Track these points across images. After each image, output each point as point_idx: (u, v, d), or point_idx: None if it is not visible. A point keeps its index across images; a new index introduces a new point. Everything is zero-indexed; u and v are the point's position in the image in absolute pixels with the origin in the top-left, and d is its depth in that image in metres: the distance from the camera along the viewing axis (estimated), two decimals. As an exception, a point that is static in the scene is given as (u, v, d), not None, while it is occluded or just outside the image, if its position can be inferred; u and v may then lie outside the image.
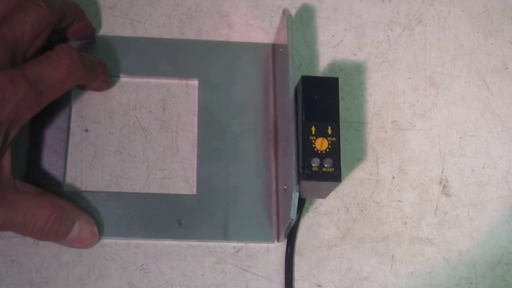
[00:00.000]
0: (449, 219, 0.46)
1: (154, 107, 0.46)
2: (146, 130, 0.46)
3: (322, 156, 0.40)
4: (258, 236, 0.44)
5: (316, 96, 0.41)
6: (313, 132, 0.40)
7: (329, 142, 0.40)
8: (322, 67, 0.49)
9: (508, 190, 0.47)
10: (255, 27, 0.50)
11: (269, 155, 0.46)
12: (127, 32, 0.48)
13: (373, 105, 0.49)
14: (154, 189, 0.44)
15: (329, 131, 0.40)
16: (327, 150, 0.40)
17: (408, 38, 0.51)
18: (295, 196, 0.39)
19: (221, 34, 0.49)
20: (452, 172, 0.47)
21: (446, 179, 0.47)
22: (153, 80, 0.47)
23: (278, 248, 0.44)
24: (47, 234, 0.40)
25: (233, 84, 0.47)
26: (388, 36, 0.51)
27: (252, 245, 0.44)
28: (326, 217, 0.45)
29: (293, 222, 0.40)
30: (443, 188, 0.47)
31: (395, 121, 0.48)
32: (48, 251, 0.42)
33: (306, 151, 0.40)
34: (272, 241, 0.44)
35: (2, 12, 0.40)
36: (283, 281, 0.43)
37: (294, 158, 0.40)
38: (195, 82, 0.47)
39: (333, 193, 0.46)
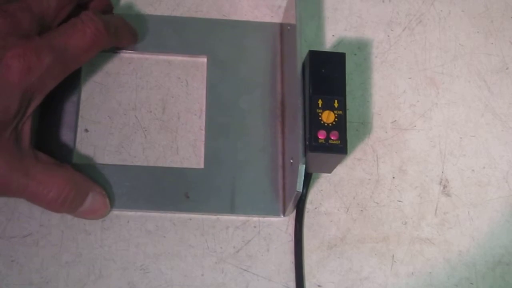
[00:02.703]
0: (450, 219, 0.46)
1: (154, 107, 0.46)
2: (146, 130, 0.46)
3: (328, 128, 0.40)
4: (265, 210, 0.44)
5: (323, 70, 0.41)
6: (320, 105, 0.40)
7: (336, 115, 0.40)
8: (322, 67, 0.49)
9: (509, 190, 0.47)
10: (255, 27, 0.50)
11: (276, 131, 0.46)
12: (127, 32, 0.48)
13: (373, 105, 0.49)
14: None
15: (336, 105, 0.41)
16: (334, 123, 0.40)
17: (408, 38, 0.51)
18: (302, 168, 0.39)
19: (221, 34, 0.49)
20: (453, 172, 0.47)
21: (447, 179, 0.47)
22: (162, 57, 0.47)
23: (279, 248, 0.44)
24: (61, 206, 0.40)
25: (242, 62, 0.48)
26: (388, 36, 0.51)
27: (253, 245, 0.44)
28: (326, 217, 0.45)
29: (299, 194, 0.40)
30: (444, 188, 0.47)
31: (395, 121, 0.48)
32: (48, 251, 0.42)
33: (312, 123, 0.40)
34: (278, 215, 0.44)
35: None
36: (283, 280, 0.43)
37: (300, 131, 0.40)
38: (204, 59, 0.47)
39: (333, 193, 0.46)
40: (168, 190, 0.44)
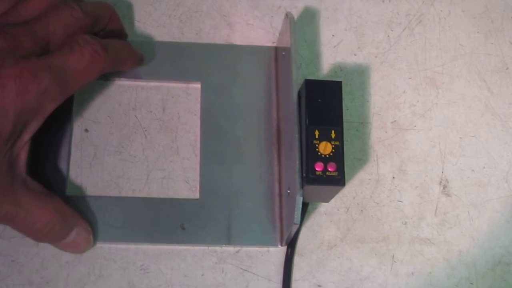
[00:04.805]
0: (449, 219, 0.46)
1: (154, 107, 0.46)
2: (146, 130, 0.46)
3: (325, 160, 0.40)
4: (262, 240, 0.44)
5: (320, 100, 0.41)
6: (317, 136, 0.40)
7: (333, 146, 0.40)
8: (322, 67, 0.49)
9: (508, 190, 0.47)
10: (255, 27, 0.50)
11: (272, 158, 0.45)
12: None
13: (373, 105, 0.49)
14: (155, 188, 0.44)
15: (333, 135, 0.40)
16: (331, 154, 0.40)
17: (408, 38, 0.51)
18: (299, 201, 0.39)
19: (221, 34, 0.49)
20: (452, 172, 0.47)
21: (446, 179, 0.47)
22: (155, 84, 0.47)
23: (279, 248, 0.44)
24: (44, 236, 0.40)
25: (236, 87, 0.47)
26: (388, 36, 0.51)
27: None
28: (326, 217, 0.45)
29: (297, 226, 0.39)
30: (443, 188, 0.47)
31: (395, 121, 0.48)
32: (48, 251, 0.42)
33: (309, 155, 0.40)
34: (275, 245, 0.44)
35: (37, 10, 0.40)
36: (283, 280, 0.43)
37: (297, 162, 0.40)
38: (197, 85, 0.47)
39: (333, 193, 0.46)
40: (164, 221, 0.43)
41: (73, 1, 0.41)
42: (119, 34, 0.46)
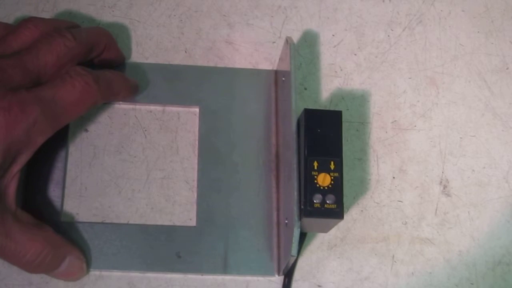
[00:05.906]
0: (450, 219, 0.46)
1: (154, 107, 0.46)
2: (146, 130, 0.46)
3: (324, 192, 0.39)
4: (259, 269, 0.43)
5: (319, 130, 0.40)
6: (316, 167, 0.39)
7: (332, 177, 0.39)
8: (322, 67, 0.49)
9: (509, 190, 0.47)
10: (255, 27, 0.50)
11: (271, 186, 0.45)
12: (127, 32, 0.48)
13: (373, 105, 0.49)
14: (154, 188, 0.44)
15: (332, 166, 0.39)
16: (330, 186, 0.39)
17: (408, 38, 0.51)
18: (296, 233, 0.38)
19: (221, 34, 0.49)
20: (453, 172, 0.47)
21: (447, 179, 0.47)
22: (153, 107, 0.46)
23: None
24: (36, 267, 0.39)
25: (235, 112, 0.46)
26: (388, 36, 0.51)
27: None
28: (326, 217, 0.45)
29: (294, 258, 0.39)
30: (444, 188, 0.47)
31: (395, 121, 0.48)
32: (48, 251, 0.42)
33: (308, 187, 0.39)
34: (272, 274, 0.43)
35: (29, 40, 0.39)
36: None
37: (295, 193, 0.39)
38: (196, 110, 0.46)
39: (333, 193, 0.46)
40: (159, 249, 0.42)
41: (67, 29, 0.41)
42: (116, 60, 0.45)
